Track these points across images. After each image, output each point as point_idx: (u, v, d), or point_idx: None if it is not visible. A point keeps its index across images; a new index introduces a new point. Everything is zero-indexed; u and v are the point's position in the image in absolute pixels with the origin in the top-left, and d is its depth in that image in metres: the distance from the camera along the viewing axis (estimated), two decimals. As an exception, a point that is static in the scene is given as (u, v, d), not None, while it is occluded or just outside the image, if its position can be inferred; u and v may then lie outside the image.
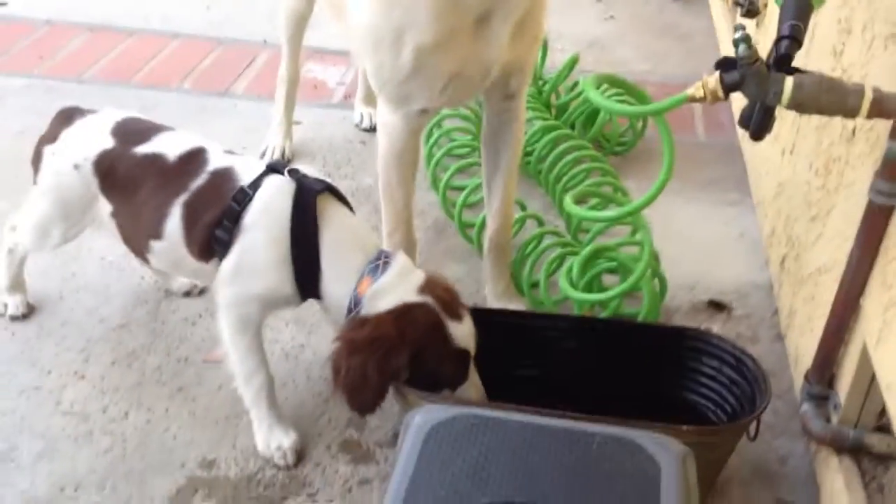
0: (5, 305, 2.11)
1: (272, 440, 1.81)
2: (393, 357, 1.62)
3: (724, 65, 1.57)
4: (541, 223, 2.44)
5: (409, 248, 2.14)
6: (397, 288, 1.68)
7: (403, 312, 1.65)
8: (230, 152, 1.85)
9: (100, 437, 1.85)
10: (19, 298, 2.12)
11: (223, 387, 1.96)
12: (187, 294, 2.23)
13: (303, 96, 3.18)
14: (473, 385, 1.72)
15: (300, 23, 2.71)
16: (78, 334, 2.10)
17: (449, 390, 1.69)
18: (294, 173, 1.74)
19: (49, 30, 3.56)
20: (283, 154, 2.81)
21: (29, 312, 2.13)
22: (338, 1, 2.08)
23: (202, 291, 2.23)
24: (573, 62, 2.88)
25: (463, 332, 1.68)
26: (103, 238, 2.31)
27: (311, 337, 2.14)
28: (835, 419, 1.78)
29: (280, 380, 1.97)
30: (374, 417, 1.91)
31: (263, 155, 2.80)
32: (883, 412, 1.71)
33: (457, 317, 1.69)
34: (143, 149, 1.82)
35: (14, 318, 2.11)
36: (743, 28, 1.53)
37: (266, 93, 2.92)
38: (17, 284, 2.13)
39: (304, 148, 2.91)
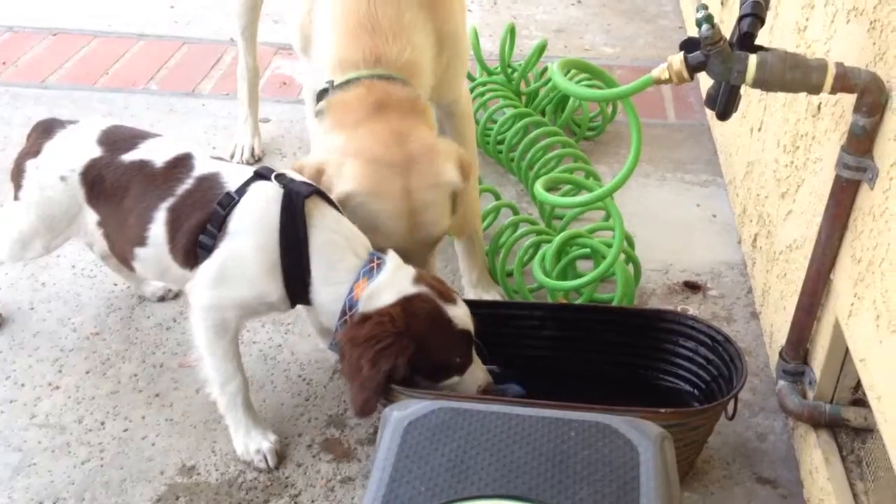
0: (-25, 319, 2.09)
1: (251, 444, 1.79)
2: (391, 352, 1.61)
3: (688, 45, 1.57)
4: (515, 212, 2.44)
5: None
6: (393, 284, 1.68)
7: (405, 305, 1.65)
8: (219, 158, 1.83)
9: (77, 448, 1.83)
10: (-11, 311, 2.10)
11: (200, 391, 1.94)
12: (161, 299, 2.21)
13: (271, 93, 3.16)
14: (479, 367, 1.73)
15: (253, 11, 2.68)
16: (51, 345, 2.08)
17: (458, 375, 1.70)
18: (281, 178, 1.72)
19: (11, 36, 3.51)
20: (252, 152, 2.79)
21: (-1, 324, 2.11)
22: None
23: (177, 296, 2.22)
24: (541, 48, 2.87)
25: (461, 314, 1.69)
26: (73, 246, 2.29)
27: (289, 337, 2.13)
28: (811, 395, 1.79)
29: (258, 381, 1.96)
30: (352, 415, 1.90)
31: (233, 154, 2.78)
32: (858, 386, 1.72)
33: (451, 301, 1.70)
34: (130, 156, 1.80)
35: (-15, 331, 2.09)
36: (705, 8, 1.53)
37: (234, 91, 2.89)
38: (-14, 297, 2.10)
39: (274, 145, 2.88)
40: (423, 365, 1.65)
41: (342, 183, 1.79)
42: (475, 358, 1.73)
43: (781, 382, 1.84)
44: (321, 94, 1.90)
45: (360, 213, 1.80)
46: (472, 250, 2.22)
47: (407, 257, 1.78)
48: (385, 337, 1.61)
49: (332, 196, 1.78)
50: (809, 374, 1.80)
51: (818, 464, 1.70)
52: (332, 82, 1.88)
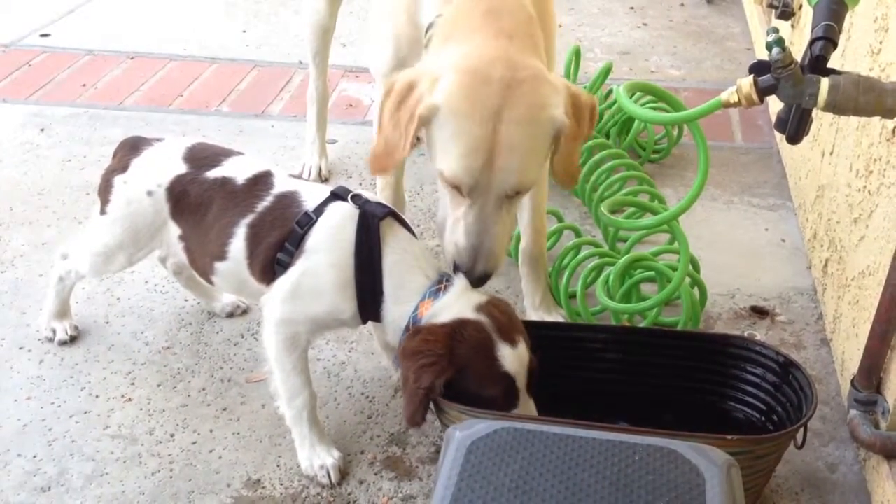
0: (53, 331, 2.16)
1: (315, 459, 1.82)
2: (431, 371, 1.62)
3: (759, 68, 1.56)
4: (578, 234, 2.43)
5: (398, 203, 2.25)
6: (455, 306, 1.69)
7: (455, 328, 1.66)
8: (296, 177, 1.89)
9: (147, 459, 1.88)
10: (66, 324, 2.17)
11: (266, 406, 1.98)
12: (230, 315, 2.26)
13: (338, 115, 3.22)
14: (525, 413, 1.69)
15: (325, 37, 2.75)
16: (124, 358, 2.14)
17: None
18: (357, 199, 1.77)
19: (90, 59, 3.65)
20: (319, 172, 2.84)
21: (76, 337, 2.18)
22: None
23: (245, 312, 2.27)
24: (607, 71, 2.87)
25: (512, 357, 1.66)
26: (146, 263, 2.35)
27: (353, 354, 2.15)
28: (884, 425, 1.74)
29: (322, 398, 1.99)
30: (415, 433, 1.92)
31: (300, 174, 2.84)
32: (934, 417, 1.67)
33: (510, 341, 1.67)
34: (213, 173, 1.87)
35: (62, 344, 2.16)
36: (776, 31, 1.51)
37: (302, 113, 2.96)
38: (64, 311, 2.17)
39: (340, 165, 2.94)
40: (461, 391, 1.65)
41: (430, 98, 1.59)
42: (525, 404, 1.68)
43: (853, 412, 1.79)
44: (429, 29, 1.75)
45: (439, 138, 1.62)
46: (536, 272, 2.22)
47: (478, 210, 1.62)
48: (429, 354, 1.63)
49: (417, 113, 1.60)
50: (882, 404, 1.75)
51: (891, 496, 1.65)
52: (439, 15, 1.73)
